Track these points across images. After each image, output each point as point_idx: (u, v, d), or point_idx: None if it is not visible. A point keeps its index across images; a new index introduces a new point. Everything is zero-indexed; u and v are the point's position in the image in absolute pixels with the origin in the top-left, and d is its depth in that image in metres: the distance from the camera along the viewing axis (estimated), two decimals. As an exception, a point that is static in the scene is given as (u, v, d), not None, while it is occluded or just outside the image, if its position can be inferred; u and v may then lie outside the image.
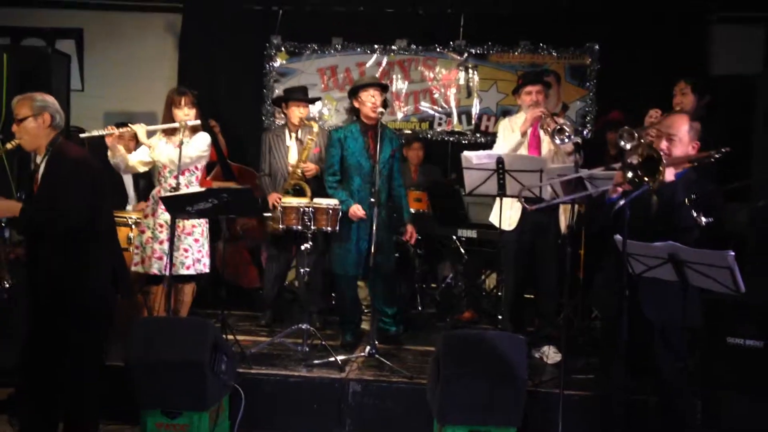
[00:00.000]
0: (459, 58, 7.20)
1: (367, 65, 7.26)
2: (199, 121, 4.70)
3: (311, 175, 5.36)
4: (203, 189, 4.38)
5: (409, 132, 7.20)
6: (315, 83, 7.23)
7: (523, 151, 4.88)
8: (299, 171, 5.34)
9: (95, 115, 7.30)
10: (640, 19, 6.89)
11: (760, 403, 3.89)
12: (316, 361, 4.56)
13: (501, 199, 4.73)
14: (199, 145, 4.70)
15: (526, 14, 7.11)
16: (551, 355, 4.81)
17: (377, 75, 7.16)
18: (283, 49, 7.32)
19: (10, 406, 4.07)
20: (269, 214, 5.26)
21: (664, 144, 3.46)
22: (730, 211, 4.76)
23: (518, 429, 3.77)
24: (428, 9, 7.19)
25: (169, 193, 4.49)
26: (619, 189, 3.36)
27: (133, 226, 5.09)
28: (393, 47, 7.24)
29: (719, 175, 4.53)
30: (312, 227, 4.76)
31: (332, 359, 4.53)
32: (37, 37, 7.53)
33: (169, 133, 4.74)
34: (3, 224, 4.66)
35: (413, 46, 7.23)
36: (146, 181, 5.95)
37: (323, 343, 4.72)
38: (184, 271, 4.64)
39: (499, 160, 4.49)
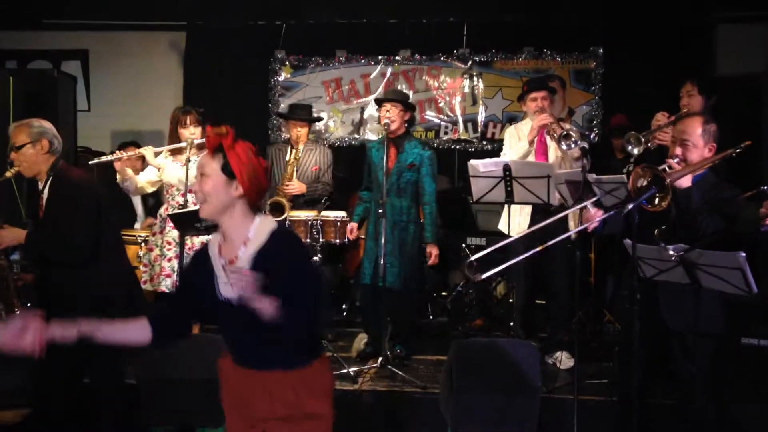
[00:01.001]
0: (463, 66, 7.20)
1: (372, 76, 7.28)
2: (204, 139, 4.71)
3: (291, 194, 5.30)
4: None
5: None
6: (320, 96, 7.25)
7: (531, 157, 4.87)
8: (282, 188, 5.34)
9: (102, 135, 7.36)
10: (643, 21, 6.89)
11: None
12: (328, 374, 4.55)
13: (509, 206, 4.72)
14: (207, 164, 4.71)
15: (529, 20, 7.12)
16: (564, 360, 4.78)
17: (382, 86, 7.19)
18: (287, 63, 7.35)
19: (25, 427, 4.08)
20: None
21: (678, 150, 3.36)
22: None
23: (533, 436, 3.76)
24: (431, 18, 7.21)
25: (176, 211, 4.51)
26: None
27: (142, 244, 5.11)
28: (397, 58, 7.25)
29: (728, 175, 4.52)
30: (320, 240, 4.76)
31: (345, 371, 4.52)
32: (43, 59, 7.62)
33: (176, 152, 4.77)
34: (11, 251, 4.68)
35: (417, 56, 7.24)
36: (155, 199, 5.98)
37: (335, 354, 4.71)
38: (193, 289, 4.65)
39: (506, 167, 4.48)
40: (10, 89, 5.27)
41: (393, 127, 4.86)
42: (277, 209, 5.25)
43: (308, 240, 4.78)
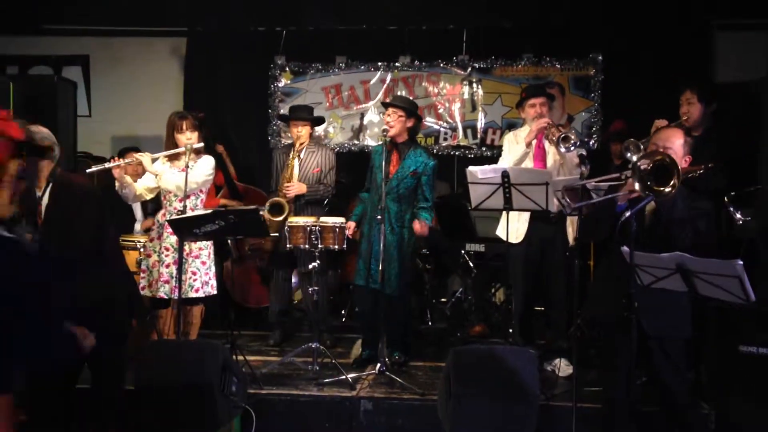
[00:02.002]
0: (463, 72, 7.21)
1: (371, 83, 7.29)
2: (202, 144, 4.72)
3: (290, 195, 5.35)
4: (210, 211, 4.39)
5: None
6: (320, 102, 7.26)
7: (529, 161, 4.88)
8: (282, 190, 5.38)
9: (103, 140, 7.38)
10: (643, 28, 6.90)
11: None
12: (326, 380, 4.55)
13: (507, 213, 4.72)
14: (205, 169, 4.72)
15: (528, 27, 7.14)
16: (563, 367, 4.77)
17: (381, 92, 7.21)
18: (287, 69, 7.36)
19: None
20: (276, 235, 5.28)
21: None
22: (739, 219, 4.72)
23: (531, 443, 3.75)
24: (431, 25, 7.23)
25: (175, 216, 4.51)
26: (631, 195, 3.33)
27: (141, 250, 5.11)
28: (396, 64, 7.26)
29: (729, 179, 4.53)
30: (319, 246, 4.77)
31: (343, 377, 4.52)
32: (44, 64, 7.63)
33: (173, 157, 4.77)
34: None
35: (417, 62, 7.25)
36: (154, 204, 5.98)
37: (334, 361, 4.71)
38: (193, 294, 4.65)
39: (505, 174, 4.48)
40: (11, 95, 5.28)
41: (391, 132, 4.87)
42: (276, 209, 5.27)
43: (307, 246, 4.79)
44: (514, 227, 4.84)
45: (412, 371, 4.89)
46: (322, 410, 4.32)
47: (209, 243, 4.76)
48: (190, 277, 4.66)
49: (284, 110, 7.18)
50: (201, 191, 4.80)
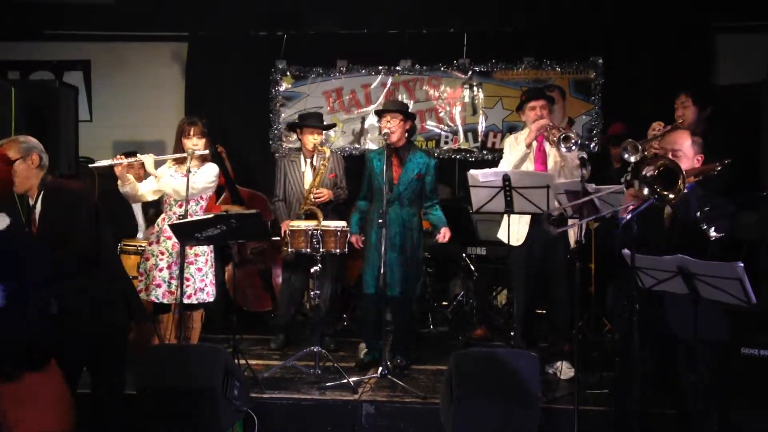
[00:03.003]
0: (463, 76, 7.22)
1: (372, 86, 7.30)
2: (207, 151, 4.72)
3: (322, 201, 5.40)
4: (211, 215, 4.40)
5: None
6: (321, 106, 7.26)
7: (529, 164, 4.89)
8: (312, 197, 5.38)
9: (104, 145, 7.37)
10: (643, 31, 6.91)
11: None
12: (328, 384, 4.55)
13: (509, 216, 4.73)
14: (207, 176, 4.69)
15: (528, 30, 7.15)
16: (565, 370, 4.77)
17: (382, 96, 7.21)
18: (288, 73, 7.37)
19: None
20: (278, 238, 5.28)
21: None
22: (742, 220, 4.72)
23: (534, 447, 3.75)
24: (431, 29, 7.24)
25: (176, 221, 4.51)
26: (631, 206, 3.33)
27: (142, 254, 5.11)
28: (397, 68, 7.27)
29: (729, 183, 4.52)
30: (321, 249, 4.77)
31: (345, 381, 4.52)
32: (45, 70, 7.64)
33: (178, 161, 4.77)
34: None
35: (417, 66, 7.26)
36: (156, 209, 5.98)
37: (336, 364, 4.71)
38: (185, 300, 4.63)
39: (506, 177, 4.49)
40: (12, 100, 5.28)
41: (393, 138, 4.88)
42: (312, 217, 5.27)
43: (309, 250, 4.79)
44: (514, 230, 4.85)
45: (414, 375, 4.89)
46: (324, 414, 4.32)
47: (208, 249, 4.74)
48: (184, 283, 4.64)
49: (285, 114, 7.21)
50: (201, 197, 4.78)
